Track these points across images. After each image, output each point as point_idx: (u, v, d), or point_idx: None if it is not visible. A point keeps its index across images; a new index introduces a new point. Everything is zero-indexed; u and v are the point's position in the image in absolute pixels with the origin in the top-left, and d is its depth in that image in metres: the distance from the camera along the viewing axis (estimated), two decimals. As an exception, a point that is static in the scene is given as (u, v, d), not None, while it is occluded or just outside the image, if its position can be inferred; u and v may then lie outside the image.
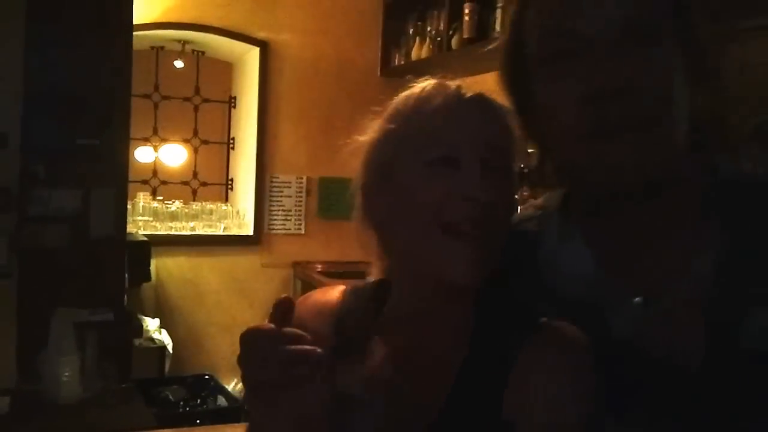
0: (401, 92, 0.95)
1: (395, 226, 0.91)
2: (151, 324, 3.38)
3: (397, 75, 4.34)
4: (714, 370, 0.80)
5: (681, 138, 0.81)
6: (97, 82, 2.53)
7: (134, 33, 3.86)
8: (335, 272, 3.93)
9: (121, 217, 2.66)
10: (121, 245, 2.67)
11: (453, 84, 0.92)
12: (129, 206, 4.06)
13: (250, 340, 0.87)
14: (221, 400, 2.78)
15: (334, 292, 1.04)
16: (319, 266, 4.22)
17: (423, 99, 0.91)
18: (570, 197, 0.94)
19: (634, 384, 0.85)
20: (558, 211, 0.94)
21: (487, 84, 0.97)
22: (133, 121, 4.35)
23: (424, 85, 0.93)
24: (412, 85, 0.94)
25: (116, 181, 2.62)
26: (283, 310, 0.87)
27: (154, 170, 4.67)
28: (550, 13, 0.82)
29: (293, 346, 0.84)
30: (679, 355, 0.83)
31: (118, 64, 2.58)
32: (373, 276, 0.99)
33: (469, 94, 0.90)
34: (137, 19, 3.86)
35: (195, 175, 4.75)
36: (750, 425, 0.80)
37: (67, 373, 2.33)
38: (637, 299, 0.86)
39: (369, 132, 0.95)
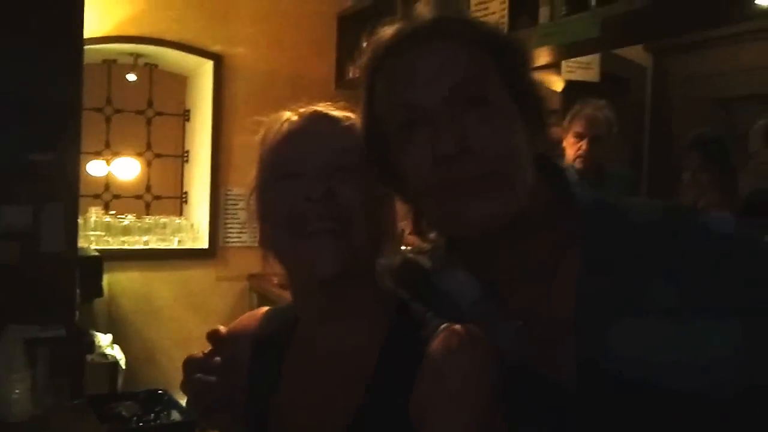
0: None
1: (271, 243, 1.01)
2: (104, 339, 3.35)
3: (352, 88, 4.36)
4: (587, 390, 0.87)
5: (526, 182, 0.89)
6: (48, 97, 2.51)
7: (86, 47, 3.85)
8: (291, 284, 3.95)
9: (72, 232, 2.64)
10: (72, 261, 2.65)
11: (301, 109, 1.04)
12: (81, 221, 4.02)
13: (186, 369, 1.03)
14: (175, 415, 2.76)
15: (256, 316, 1.15)
16: (275, 278, 4.23)
17: (270, 128, 1.03)
18: (450, 238, 1.03)
19: (522, 403, 0.91)
20: (444, 245, 1.03)
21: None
22: (86, 134, 4.30)
23: (280, 115, 1.05)
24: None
25: (67, 196, 2.60)
26: (215, 340, 1.03)
27: (107, 184, 4.62)
28: (392, 90, 0.91)
29: (201, 377, 1.00)
30: (559, 376, 0.89)
31: (70, 78, 2.57)
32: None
33: (307, 113, 1.02)
34: (89, 33, 3.83)
35: (148, 188, 4.72)
36: None
37: (17, 391, 2.31)
38: (518, 322, 0.94)
39: None
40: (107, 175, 4.65)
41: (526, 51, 0.94)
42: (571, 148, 3.38)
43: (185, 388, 1.03)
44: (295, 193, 0.96)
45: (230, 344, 1.06)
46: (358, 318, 1.00)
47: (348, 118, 1.01)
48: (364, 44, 3.27)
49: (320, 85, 4.36)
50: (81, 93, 2.66)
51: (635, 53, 5.18)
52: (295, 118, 1.02)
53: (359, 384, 0.96)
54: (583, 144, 3.32)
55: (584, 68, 4.92)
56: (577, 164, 3.36)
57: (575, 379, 0.88)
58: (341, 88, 4.40)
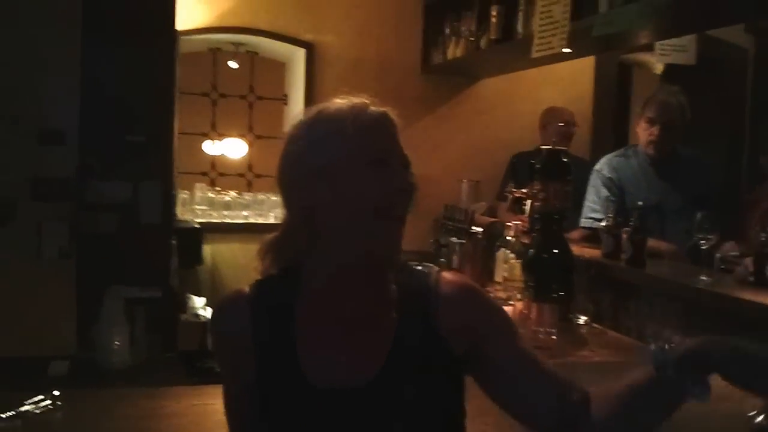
0: (312, 109, 1.20)
1: (330, 214, 1.12)
2: (198, 302, 3.71)
3: (436, 73, 4.55)
4: None
5: None
6: (145, 85, 2.82)
7: (192, 37, 4.22)
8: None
9: (167, 205, 2.95)
10: (167, 231, 2.97)
11: (361, 101, 1.16)
12: (187, 196, 4.42)
13: None
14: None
15: (243, 289, 1.21)
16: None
17: (352, 114, 1.14)
18: None
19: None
20: None
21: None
22: (194, 117, 4.73)
23: (341, 102, 1.17)
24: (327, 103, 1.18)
25: (163, 173, 2.91)
26: None
27: (212, 163, 5.02)
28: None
29: None
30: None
31: (164, 68, 2.88)
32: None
33: (379, 109, 1.16)
34: (194, 24, 4.21)
35: (250, 167, 5.07)
36: None
37: (117, 342, 2.63)
38: None
39: (292, 138, 1.18)
40: (214, 153, 5.04)
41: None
42: (644, 134, 3.41)
43: None
44: (388, 180, 1.11)
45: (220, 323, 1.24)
46: (374, 284, 1.17)
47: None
48: (447, 30, 3.44)
49: (406, 70, 4.54)
50: (173, 82, 2.96)
51: (736, 35, 5.03)
52: (374, 108, 1.15)
53: (385, 327, 1.14)
54: (655, 130, 3.33)
55: (679, 51, 4.82)
56: (649, 150, 3.39)
57: None
58: (426, 73, 4.56)
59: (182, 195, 4.43)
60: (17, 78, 2.66)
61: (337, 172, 1.12)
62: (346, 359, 1.13)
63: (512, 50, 3.57)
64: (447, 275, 1.20)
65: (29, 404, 1.70)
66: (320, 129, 1.15)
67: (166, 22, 2.91)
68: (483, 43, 3.77)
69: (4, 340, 2.52)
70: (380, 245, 1.13)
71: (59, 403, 1.71)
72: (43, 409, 1.69)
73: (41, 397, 1.73)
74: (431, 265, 1.22)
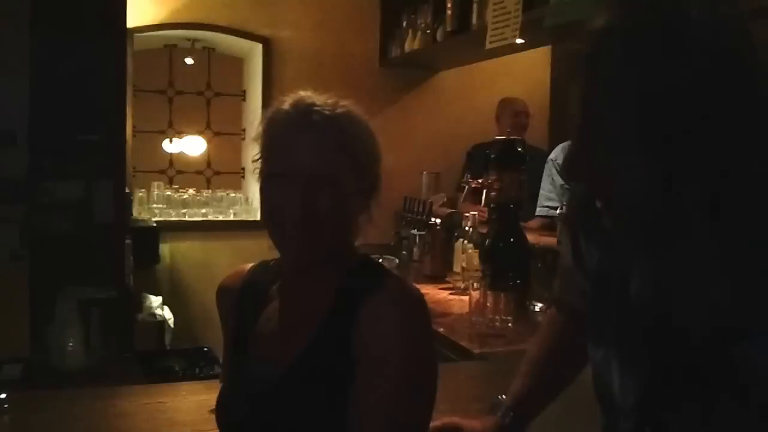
0: (272, 105, 1.20)
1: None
2: (155, 301, 3.67)
3: (394, 66, 4.55)
4: None
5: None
6: (96, 84, 2.78)
7: (147, 33, 4.17)
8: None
9: (120, 204, 2.92)
10: (121, 230, 2.94)
11: (307, 102, 1.14)
12: (144, 195, 4.37)
13: None
14: (216, 369, 3.04)
15: (244, 269, 1.33)
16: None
17: (273, 120, 1.16)
18: None
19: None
20: None
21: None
22: (151, 114, 4.67)
23: (286, 101, 1.16)
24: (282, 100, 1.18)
25: (116, 172, 2.88)
26: None
27: (170, 160, 4.96)
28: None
29: None
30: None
31: (114, 66, 2.84)
32: None
33: (302, 121, 1.11)
34: (147, 20, 4.15)
35: (209, 164, 5.03)
36: None
37: (71, 344, 2.60)
38: None
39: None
40: (172, 151, 4.99)
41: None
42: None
43: None
44: (279, 196, 1.11)
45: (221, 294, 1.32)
46: (322, 275, 1.16)
47: (337, 121, 1.12)
48: (404, 23, 3.42)
49: (364, 64, 4.54)
50: (125, 80, 2.93)
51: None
52: (292, 119, 1.12)
53: (316, 320, 1.13)
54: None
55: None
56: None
57: None
58: (385, 66, 4.56)
59: (139, 194, 4.38)
60: (-37, 78, 2.61)
61: (262, 176, 1.17)
62: (273, 356, 1.17)
63: (468, 42, 3.59)
64: (392, 290, 1.11)
65: (-25, 408, 1.67)
66: (261, 129, 1.18)
67: (117, 18, 2.87)
68: (439, 35, 3.78)
69: (-44, 345, 2.48)
70: (283, 255, 1.15)
71: (6, 406, 1.68)
72: (-11, 413, 1.66)
73: (-12, 400, 1.69)
74: (391, 269, 1.22)
